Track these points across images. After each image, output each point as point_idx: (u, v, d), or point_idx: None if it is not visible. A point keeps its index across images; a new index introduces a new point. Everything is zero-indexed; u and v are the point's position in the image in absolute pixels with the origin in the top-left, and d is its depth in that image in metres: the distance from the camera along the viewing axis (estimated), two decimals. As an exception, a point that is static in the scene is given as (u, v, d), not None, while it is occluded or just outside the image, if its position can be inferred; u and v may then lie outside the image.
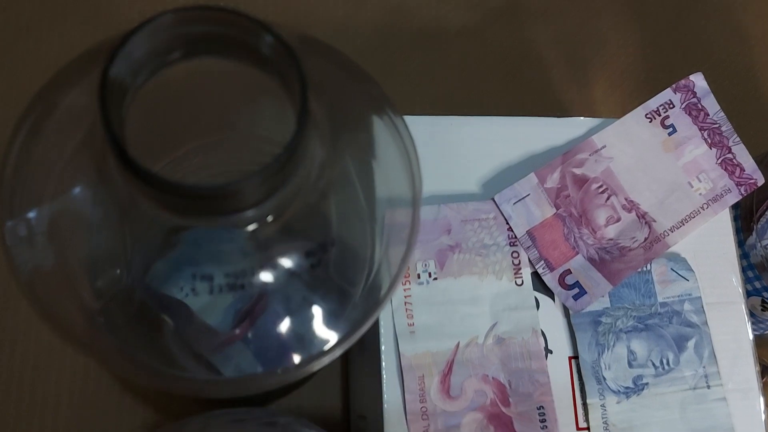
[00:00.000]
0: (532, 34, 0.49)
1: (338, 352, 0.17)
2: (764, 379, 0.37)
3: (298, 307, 0.16)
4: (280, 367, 0.16)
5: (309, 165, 0.15)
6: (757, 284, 0.39)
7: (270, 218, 0.15)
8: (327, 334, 0.16)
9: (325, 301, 0.16)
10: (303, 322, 0.16)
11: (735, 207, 0.41)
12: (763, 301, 0.39)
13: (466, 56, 0.48)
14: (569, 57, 0.49)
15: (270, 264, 0.15)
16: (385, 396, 0.28)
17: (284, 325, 0.16)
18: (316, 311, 0.17)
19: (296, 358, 0.16)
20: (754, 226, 0.38)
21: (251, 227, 0.15)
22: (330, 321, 0.17)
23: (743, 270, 0.39)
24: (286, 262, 0.16)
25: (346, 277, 0.17)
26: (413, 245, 0.18)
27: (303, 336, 0.16)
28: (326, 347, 0.16)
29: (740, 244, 0.39)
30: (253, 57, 0.14)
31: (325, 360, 0.18)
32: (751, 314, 0.41)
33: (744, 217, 0.39)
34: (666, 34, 0.50)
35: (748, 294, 0.40)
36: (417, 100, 0.46)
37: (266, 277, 0.16)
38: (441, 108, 0.45)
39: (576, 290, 0.30)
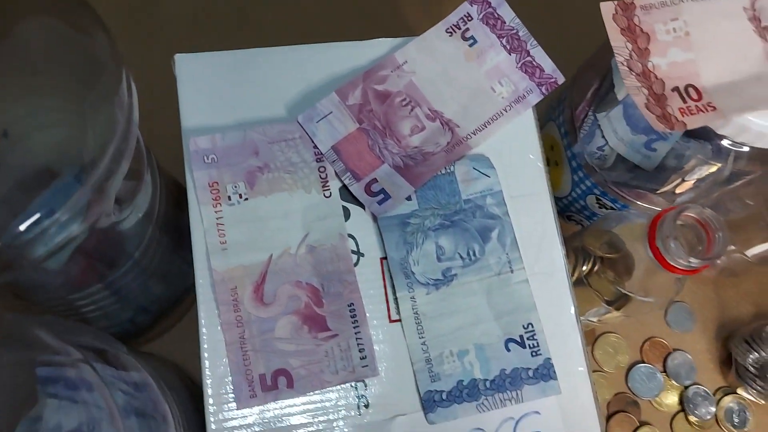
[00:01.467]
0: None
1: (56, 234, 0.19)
2: (596, 270, 0.40)
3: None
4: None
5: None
6: (588, 183, 0.41)
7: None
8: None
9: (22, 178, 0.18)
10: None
11: (560, 113, 0.43)
12: (597, 198, 0.41)
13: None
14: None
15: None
16: (201, 313, 0.30)
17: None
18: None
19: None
20: (578, 133, 0.40)
21: None
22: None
23: (574, 170, 0.42)
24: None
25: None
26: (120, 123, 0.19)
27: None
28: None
29: (569, 146, 0.42)
30: None
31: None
32: (593, 214, 0.44)
33: (569, 121, 0.41)
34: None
35: (584, 194, 0.42)
36: (273, 33, 0.48)
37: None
38: (298, 38, 0.48)
39: (381, 196, 0.32)
